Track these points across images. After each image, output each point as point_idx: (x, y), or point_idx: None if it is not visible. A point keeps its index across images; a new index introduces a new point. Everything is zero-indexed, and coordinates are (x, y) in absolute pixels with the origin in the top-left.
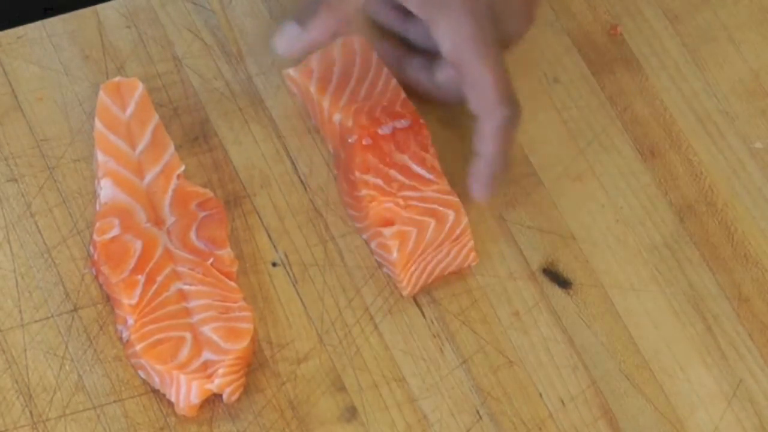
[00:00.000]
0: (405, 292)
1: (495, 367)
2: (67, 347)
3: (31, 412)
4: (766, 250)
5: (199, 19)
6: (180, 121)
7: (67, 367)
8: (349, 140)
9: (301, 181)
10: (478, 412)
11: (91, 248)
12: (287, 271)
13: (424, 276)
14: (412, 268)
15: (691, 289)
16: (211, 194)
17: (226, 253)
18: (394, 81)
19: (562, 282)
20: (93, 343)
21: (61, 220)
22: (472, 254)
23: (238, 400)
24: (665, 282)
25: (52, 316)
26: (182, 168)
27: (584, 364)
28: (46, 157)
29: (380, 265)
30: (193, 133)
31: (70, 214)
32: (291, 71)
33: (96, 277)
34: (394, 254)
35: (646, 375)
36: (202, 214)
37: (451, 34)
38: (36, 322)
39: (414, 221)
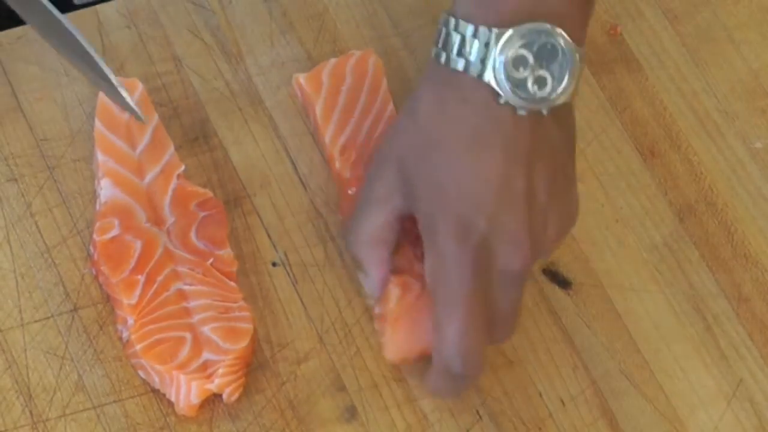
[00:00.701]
0: (389, 357)
1: (495, 366)
2: (67, 347)
3: (31, 412)
4: (765, 250)
5: (199, 19)
6: (180, 121)
7: (67, 367)
8: (349, 192)
9: (301, 181)
10: (477, 412)
11: (91, 248)
12: (287, 271)
13: (411, 342)
14: (402, 327)
15: (691, 289)
16: (210, 194)
17: (226, 253)
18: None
19: (562, 282)
20: (93, 343)
21: (61, 220)
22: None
23: (238, 400)
24: (665, 282)
25: (52, 316)
26: (182, 168)
27: (584, 364)
28: (46, 157)
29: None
30: (192, 133)
31: (70, 214)
32: (301, 78)
33: (96, 277)
34: (392, 303)
35: (645, 375)
36: (202, 214)
37: (433, 260)
38: (36, 322)
39: (421, 276)
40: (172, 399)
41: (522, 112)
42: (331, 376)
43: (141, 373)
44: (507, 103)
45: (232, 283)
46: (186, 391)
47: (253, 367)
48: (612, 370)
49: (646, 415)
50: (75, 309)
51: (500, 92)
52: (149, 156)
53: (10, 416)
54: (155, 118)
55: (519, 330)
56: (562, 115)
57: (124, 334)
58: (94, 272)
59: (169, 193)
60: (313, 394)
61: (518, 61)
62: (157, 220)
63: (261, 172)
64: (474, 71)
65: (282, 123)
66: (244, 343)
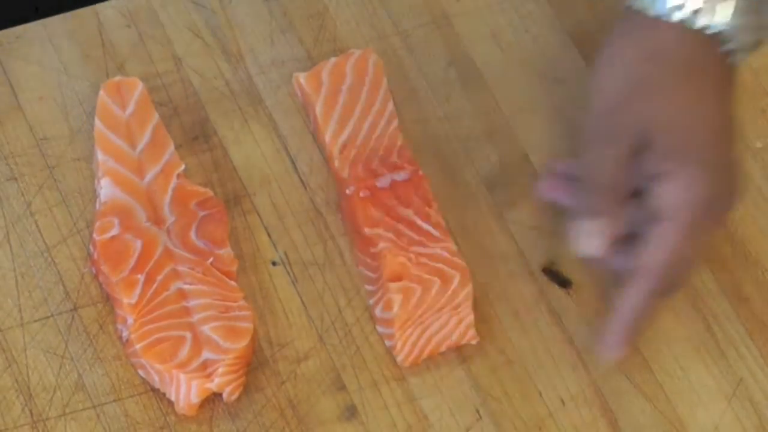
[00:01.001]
0: (399, 358)
1: (495, 366)
2: (66, 346)
3: (31, 412)
4: (766, 250)
5: (200, 18)
6: (180, 121)
7: (66, 367)
8: (347, 191)
9: (301, 180)
10: (477, 411)
11: (91, 247)
12: (287, 270)
13: (420, 344)
14: (409, 331)
15: (691, 288)
16: (210, 193)
17: (226, 252)
18: (395, 122)
19: (562, 281)
20: (93, 342)
21: (61, 220)
22: (471, 331)
23: (238, 399)
24: None
25: (52, 315)
26: (182, 167)
27: (584, 364)
28: (46, 156)
29: (381, 338)
30: (193, 132)
31: (70, 214)
32: (301, 77)
33: (96, 277)
34: (395, 309)
35: (645, 374)
36: (202, 213)
37: (683, 191)
38: (36, 321)
39: (420, 279)
40: (172, 398)
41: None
42: (331, 376)
43: (141, 372)
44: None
45: (232, 283)
46: (186, 391)
47: (253, 366)
48: (612, 369)
49: (646, 414)
50: (75, 308)
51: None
52: (149, 155)
53: (10, 415)
54: (155, 117)
55: (519, 329)
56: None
57: (124, 334)
58: (94, 271)
59: (169, 192)
60: (313, 393)
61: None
62: (157, 220)
63: (261, 171)
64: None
65: (282, 122)
66: (244, 342)
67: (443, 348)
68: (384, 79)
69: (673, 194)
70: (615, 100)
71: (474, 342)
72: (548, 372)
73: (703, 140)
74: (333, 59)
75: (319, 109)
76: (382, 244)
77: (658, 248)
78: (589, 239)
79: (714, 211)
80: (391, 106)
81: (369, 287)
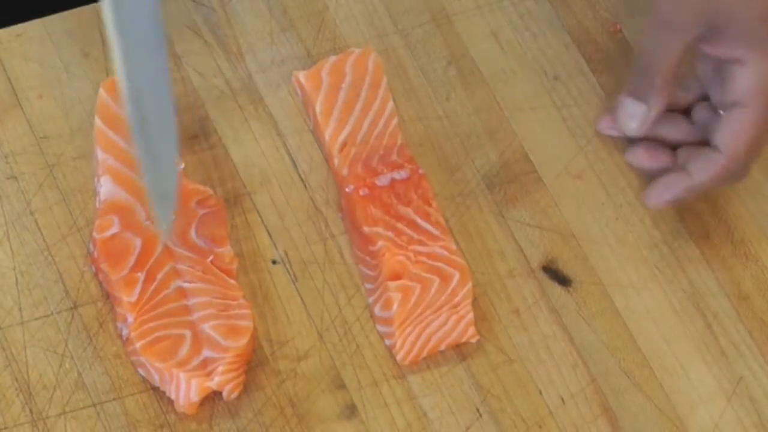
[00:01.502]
0: (399, 357)
1: (495, 364)
2: (66, 345)
3: (31, 410)
4: (765, 248)
5: (199, 16)
6: (180, 119)
7: (66, 365)
8: (347, 189)
9: (301, 179)
10: (478, 409)
11: (91, 246)
12: (287, 269)
13: (420, 342)
14: (408, 330)
15: (691, 286)
16: (210, 192)
17: (226, 250)
18: (395, 120)
19: (562, 280)
20: (93, 340)
21: (61, 218)
22: (471, 329)
23: (238, 397)
24: (665, 280)
25: (52, 313)
26: (182, 166)
27: (584, 362)
28: (45, 154)
29: (381, 336)
30: (192, 130)
31: (70, 212)
32: (301, 75)
33: (96, 275)
34: (395, 307)
35: (645, 373)
36: (202, 211)
37: (758, 76)
38: (36, 319)
39: (420, 278)
40: (172, 397)
41: None
42: (331, 374)
43: (141, 370)
44: None
45: (232, 281)
46: (186, 389)
47: (253, 364)
48: (612, 367)
49: (646, 412)
50: (75, 306)
51: None
52: None
53: (9, 414)
54: None
55: (519, 327)
56: None
57: (124, 332)
58: (93, 270)
59: None
60: (313, 391)
61: None
62: None
63: (261, 169)
64: None
65: (282, 121)
66: (244, 340)
67: (443, 346)
68: (384, 78)
69: (749, 80)
70: None
71: (474, 340)
72: (548, 370)
73: None
74: (333, 58)
75: (318, 108)
76: (381, 243)
77: (736, 133)
78: (629, 120)
79: None
80: (391, 104)
81: (368, 285)
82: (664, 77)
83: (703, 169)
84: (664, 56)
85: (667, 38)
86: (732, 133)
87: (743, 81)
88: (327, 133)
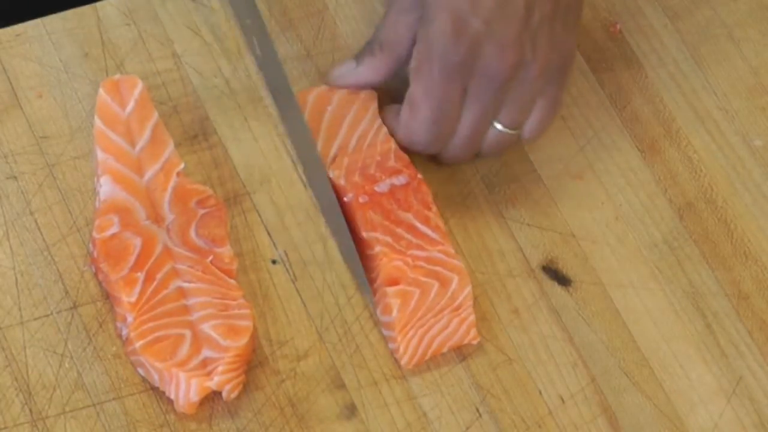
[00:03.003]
0: (403, 361)
1: (495, 364)
2: (66, 345)
3: (30, 410)
4: (765, 248)
5: (199, 16)
6: (179, 119)
7: (66, 365)
8: (345, 199)
9: (301, 179)
10: (477, 409)
11: (91, 245)
12: (287, 269)
13: (422, 346)
14: (410, 334)
15: (691, 286)
16: (210, 192)
17: (226, 250)
18: (384, 131)
19: (562, 279)
20: (92, 340)
21: (61, 218)
22: (473, 331)
23: (238, 397)
24: (665, 279)
25: (52, 313)
26: (182, 165)
27: (584, 362)
28: (45, 154)
29: (385, 340)
30: (192, 130)
31: (70, 212)
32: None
33: (95, 275)
34: (394, 313)
35: (645, 372)
36: (202, 211)
37: (423, 47)
38: (35, 319)
39: (418, 282)
40: (172, 396)
41: None
42: (330, 374)
43: (140, 370)
44: None
45: (232, 281)
46: (185, 389)
47: (253, 364)
48: (612, 367)
49: (645, 412)
50: (74, 306)
51: None
52: (149, 154)
53: (9, 414)
54: (155, 115)
55: (518, 327)
56: None
57: (124, 332)
58: (93, 270)
59: (169, 190)
60: (313, 391)
61: None
62: (157, 218)
63: (261, 169)
64: None
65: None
66: (243, 340)
67: (445, 349)
68: (374, 105)
69: (416, 53)
70: None
71: (475, 342)
72: (548, 370)
73: (464, 1)
74: (322, 87)
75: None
76: (378, 248)
77: (405, 113)
78: (335, 68)
79: (486, 69)
80: (378, 123)
81: (370, 288)
82: (381, 47)
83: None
84: (388, 32)
85: (393, 19)
86: (404, 109)
87: (412, 58)
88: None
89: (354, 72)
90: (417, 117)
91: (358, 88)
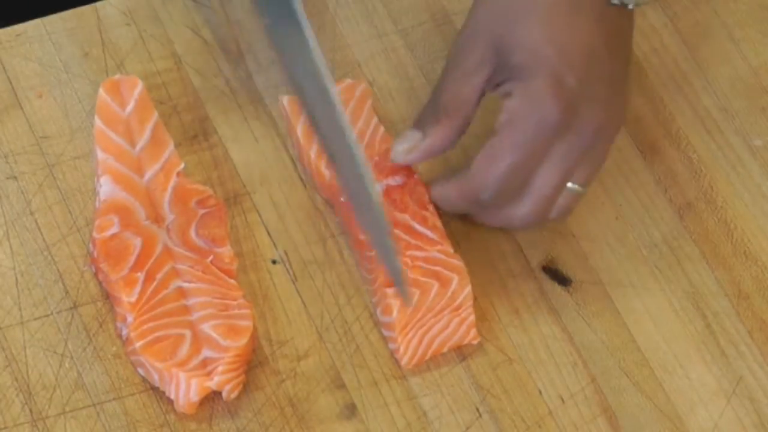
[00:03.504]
0: (404, 362)
1: (495, 364)
2: (66, 345)
3: (30, 410)
4: (765, 248)
5: (199, 16)
6: (180, 119)
7: (66, 365)
8: (342, 199)
9: (301, 179)
10: (477, 409)
11: (91, 245)
12: (287, 269)
13: (423, 346)
14: (410, 334)
15: (691, 286)
16: (210, 192)
17: (226, 250)
18: (381, 130)
19: (562, 279)
20: (92, 340)
21: (61, 218)
22: (473, 331)
23: (238, 397)
24: (665, 279)
25: (52, 313)
26: (182, 165)
27: (584, 362)
28: (45, 154)
29: (385, 340)
30: (192, 130)
31: (70, 212)
32: (284, 100)
33: (95, 275)
34: (394, 313)
35: (645, 372)
36: (202, 211)
37: (513, 106)
38: (36, 319)
39: (418, 282)
40: (172, 396)
41: (615, 1)
42: (330, 374)
43: (140, 370)
44: None
45: (232, 281)
46: (185, 389)
47: (253, 364)
48: (612, 367)
49: (645, 412)
50: (74, 306)
51: None
52: (149, 154)
53: (9, 414)
54: (155, 115)
55: (518, 327)
56: (631, 18)
57: (124, 332)
58: (93, 270)
59: (169, 190)
60: (313, 391)
61: None
62: (157, 218)
63: (261, 169)
64: None
65: (281, 121)
66: (243, 340)
67: (446, 349)
68: (369, 101)
69: (506, 111)
70: (480, 24)
71: (475, 342)
72: (548, 370)
73: (560, 61)
74: None
75: (300, 131)
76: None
77: (484, 159)
78: (400, 143)
79: (579, 127)
80: (375, 120)
81: (369, 288)
82: (447, 113)
83: (450, 187)
84: (453, 97)
85: (458, 81)
86: (482, 158)
87: (502, 112)
88: (312, 155)
89: (423, 145)
90: (495, 167)
91: (427, 159)
